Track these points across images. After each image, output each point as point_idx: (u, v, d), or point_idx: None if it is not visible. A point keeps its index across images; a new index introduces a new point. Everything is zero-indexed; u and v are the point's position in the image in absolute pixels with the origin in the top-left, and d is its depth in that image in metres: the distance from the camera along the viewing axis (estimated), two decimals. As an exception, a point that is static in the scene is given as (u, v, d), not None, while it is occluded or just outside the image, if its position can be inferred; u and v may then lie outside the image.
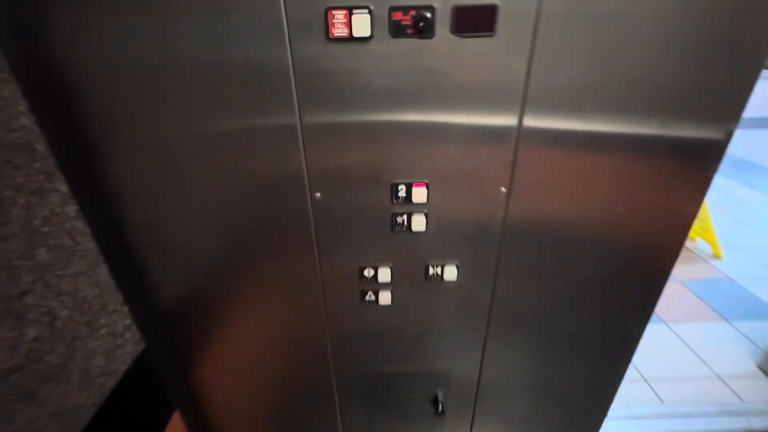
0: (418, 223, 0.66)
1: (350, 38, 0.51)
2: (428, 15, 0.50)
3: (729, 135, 0.58)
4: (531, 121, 0.57)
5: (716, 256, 2.54)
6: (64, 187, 0.56)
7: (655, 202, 0.65)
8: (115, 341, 0.67)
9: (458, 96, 0.55)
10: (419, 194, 0.63)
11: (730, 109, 0.56)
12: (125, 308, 0.69)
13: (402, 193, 0.63)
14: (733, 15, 0.50)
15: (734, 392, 1.65)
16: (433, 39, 0.51)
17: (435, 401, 0.90)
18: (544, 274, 0.72)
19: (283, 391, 0.87)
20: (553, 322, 0.79)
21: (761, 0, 0.49)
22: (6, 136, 0.47)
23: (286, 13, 0.50)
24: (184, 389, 0.84)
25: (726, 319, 2.04)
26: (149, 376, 0.77)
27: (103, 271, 0.64)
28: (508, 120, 0.57)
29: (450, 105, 0.56)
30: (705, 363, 1.79)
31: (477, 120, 0.57)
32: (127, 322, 0.70)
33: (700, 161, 0.61)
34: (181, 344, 0.77)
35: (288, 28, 0.51)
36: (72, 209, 0.58)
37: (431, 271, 0.71)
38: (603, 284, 0.74)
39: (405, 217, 0.66)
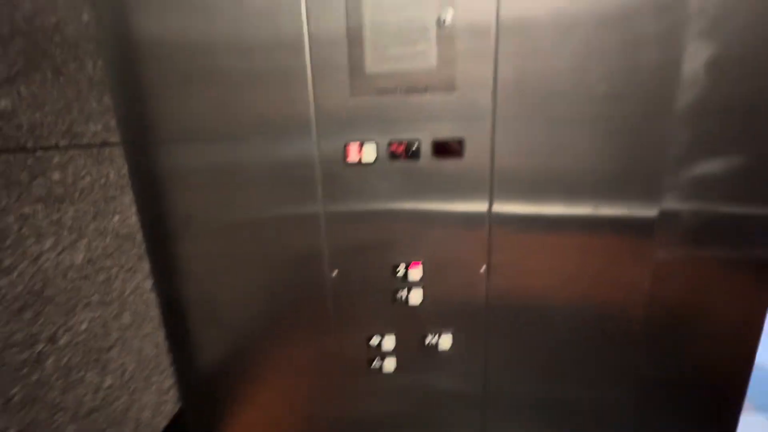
0: (416, 296, 0.80)
1: (360, 163, 0.72)
2: (415, 146, 0.71)
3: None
4: (498, 208, 0.74)
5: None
6: (147, 266, 0.76)
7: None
8: (161, 398, 0.79)
9: (440, 195, 0.74)
10: (416, 273, 0.79)
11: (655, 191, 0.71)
12: (172, 368, 0.83)
13: (401, 272, 0.79)
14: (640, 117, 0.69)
15: (784, 497, 1.49)
16: (420, 161, 0.72)
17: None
18: (530, 342, 0.83)
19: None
20: (549, 390, 0.86)
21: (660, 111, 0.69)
22: (121, 228, 0.68)
23: (317, 145, 0.73)
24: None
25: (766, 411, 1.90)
26: (181, 436, 0.87)
27: (161, 334, 0.80)
28: (480, 207, 0.74)
29: (434, 201, 0.75)
30: (748, 462, 1.64)
31: (458, 208, 0.75)
32: (171, 381, 0.83)
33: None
34: (211, 406, 0.88)
35: (317, 154, 0.73)
36: (149, 283, 0.76)
37: (429, 339, 0.83)
38: (587, 351, 0.83)
39: (405, 291, 0.80)
